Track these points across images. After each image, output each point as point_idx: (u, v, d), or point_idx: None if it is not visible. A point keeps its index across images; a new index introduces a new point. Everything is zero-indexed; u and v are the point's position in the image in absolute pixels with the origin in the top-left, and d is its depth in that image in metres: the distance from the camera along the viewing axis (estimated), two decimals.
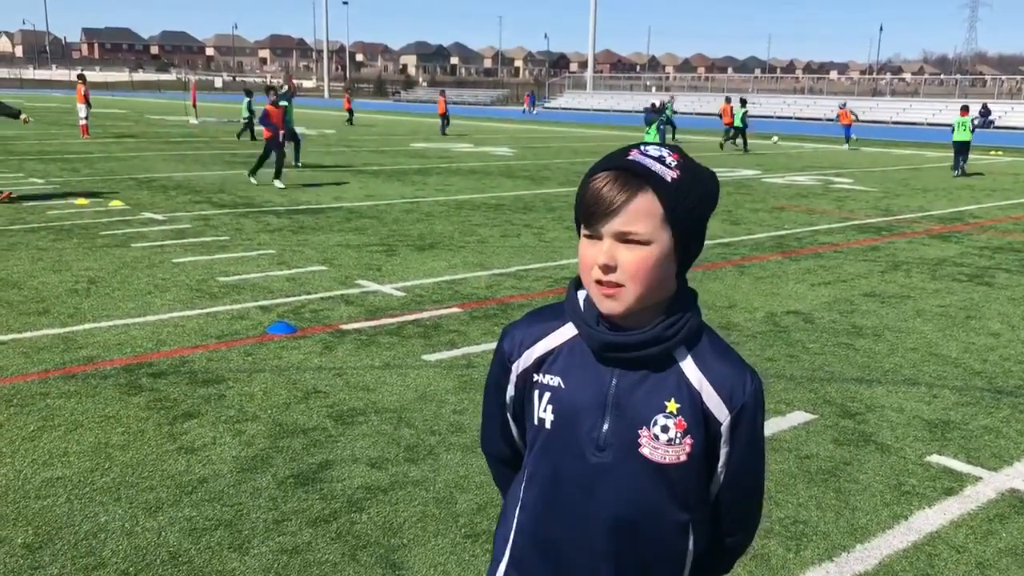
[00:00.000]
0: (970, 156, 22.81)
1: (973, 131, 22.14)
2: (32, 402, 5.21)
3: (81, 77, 29.07)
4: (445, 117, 35.08)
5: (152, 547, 3.64)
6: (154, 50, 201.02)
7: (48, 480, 4.22)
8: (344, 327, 6.92)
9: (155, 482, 4.22)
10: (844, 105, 33.97)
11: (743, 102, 29.25)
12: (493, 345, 6.18)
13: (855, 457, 4.73)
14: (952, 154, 22.34)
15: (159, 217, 12.14)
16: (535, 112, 64.34)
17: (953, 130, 22.33)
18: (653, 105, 18.39)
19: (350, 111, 40.25)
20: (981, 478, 4.52)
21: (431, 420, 5.08)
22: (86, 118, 27.79)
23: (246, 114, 28.22)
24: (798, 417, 5.24)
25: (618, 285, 1.50)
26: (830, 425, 5.15)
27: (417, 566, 3.56)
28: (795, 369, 6.16)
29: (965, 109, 22.87)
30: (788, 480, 4.41)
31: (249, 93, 29.50)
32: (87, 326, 6.78)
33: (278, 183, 15.84)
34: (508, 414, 1.77)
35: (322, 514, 3.96)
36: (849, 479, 4.46)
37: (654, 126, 17.63)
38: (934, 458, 4.75)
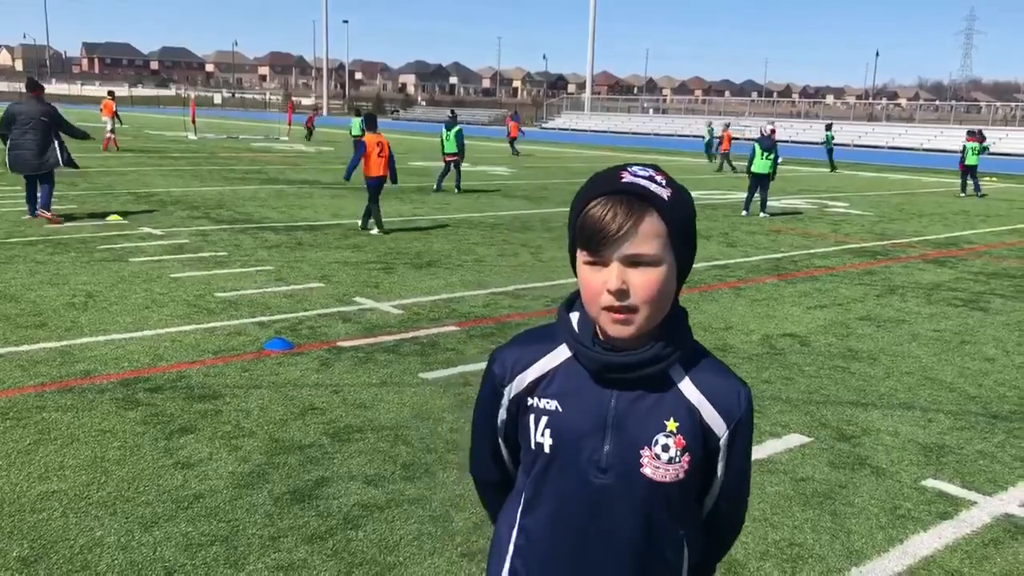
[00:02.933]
0: (960, 181, 24.05)
1: (980, 155, 23.57)
2: (28, 415, 5.20)
3: (111, 93, 31.19)
4: (514, 140, 36.56)
5: (148, 562, 3.63)
6: (154, 65, 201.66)
7: (44, 494, 4.21)
8: (341, 344, 6.93)
9: (151, 497, 4.22)
10: (728, 126, 31.81)
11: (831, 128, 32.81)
12: None
13: (850, 480, 4.74)
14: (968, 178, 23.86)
15: (157, 232, 12.16)
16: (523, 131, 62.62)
17: (965, 154, 23.73)
18: (773, 131, 18.00)
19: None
20: (976, 503, 4.54)
21: (428, 438, 5.09)
22: (112, 131, 29.28)
23: (356, 132, 29.25)
24: (794, 440, 5.26)
25: (631, 310, 1.50)
26: (826, 448, 5.17)
27: None
28: (791, 392, 6.18)
29: (972, 134, 24.09)
30: (784, 502, 4.42)
31: (358, 112, 30.73)
32: (84, 340, 6.78)
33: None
34: (500, 439, 1.76)
35: (318, 531, 3.96)
36: (845, 502, 4.47)
37: (772, 154, 17.39)
38: (929, 482, 4.76)
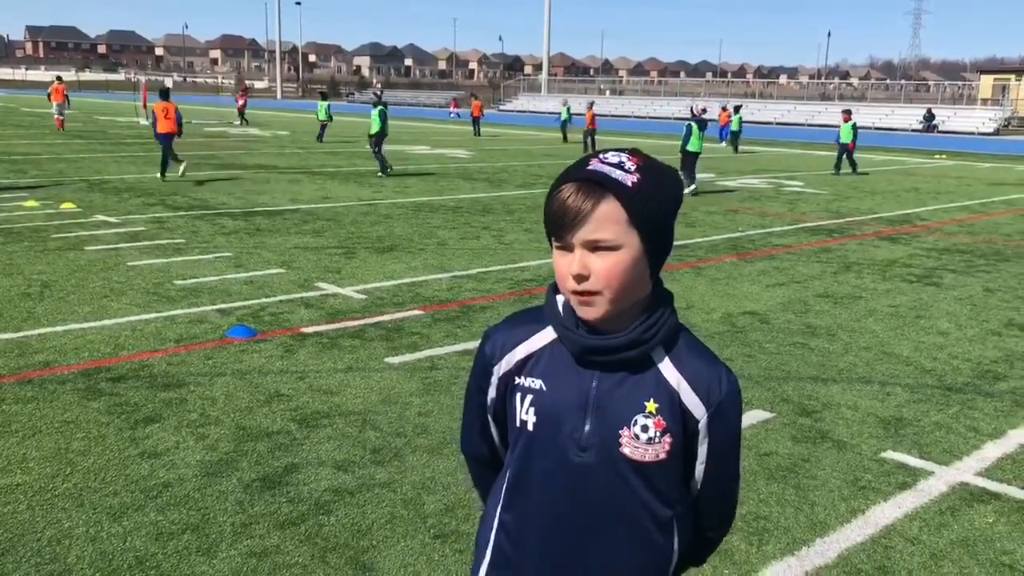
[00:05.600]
0: (910, 160, 23.96)
1: (855, 136, 22.92)
2: None
3: (59, 78, 31.91)
4: (477, 120, 37.44)
5: (118, 552, 3.60)
6: (101, 49, 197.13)
7: (7, 487, 4.15)
8: (305, 330, 6.90)
9: (118, 487, 4.18)
10: (592, 104, 30.61)
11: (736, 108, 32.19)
12: (456, 347, 6.21)
13: (813, 454, 4.85)
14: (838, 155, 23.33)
15: (112, 220, 11.95)
16: (452, 114, 63.12)
17: (839, 135, 23.27)
18: (704, 110, 18.36)
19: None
20: (933, 472, 4.67)
21: (396, 422, 5.10)
22: (62, 113, 30.42)
23: (323, 117, 29.36)
24: (757, 415, 5.36)
25: (593, 292, 1.54)
26: (788, 423, 5.27)
27: (387, 567, 3.58)
28: (753, 368, 6.29)
29: (847, 113, 23.61)
30: (749, 477, 4.51)
31: (324, 96, 31.04)
32: (42, 331, 6.66)
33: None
34: (488, 416, 1.79)
35: (290, 517, 3.96)
36: (807, 475, 4.57)
37: (703, 132, 17.68)
38: (888, 454, 4.89)
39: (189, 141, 27.82)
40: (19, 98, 65.78)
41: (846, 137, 22.85)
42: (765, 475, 4.55)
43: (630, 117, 65.82)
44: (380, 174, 18.88)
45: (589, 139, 29.03)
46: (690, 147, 17.51)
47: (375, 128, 19.30)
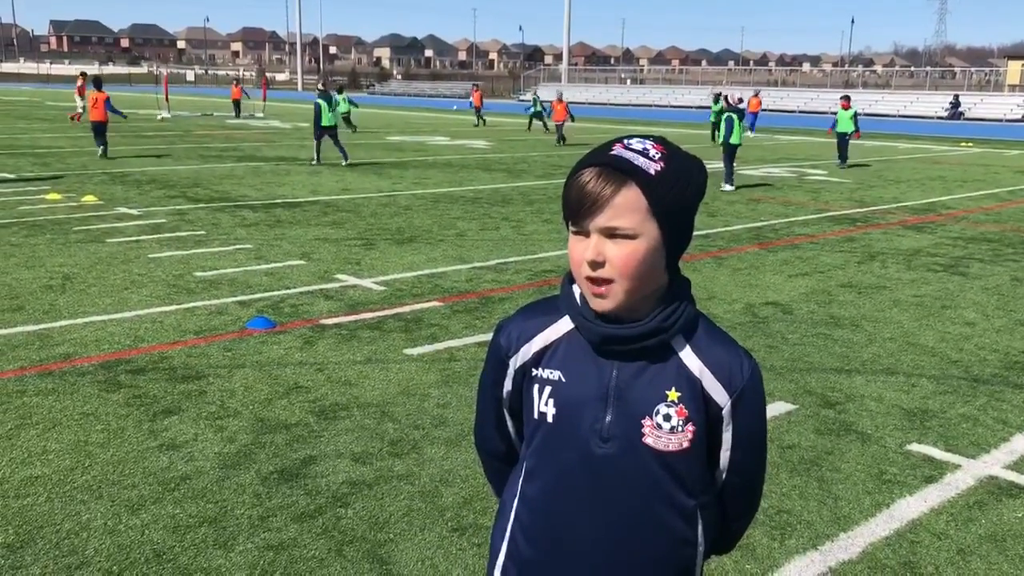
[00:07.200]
0: (936, 147, 23.28)
1: (856, 125, 21.40)
2: (8, 400, 5.13)
3: (83, 74, 32.27)
4: (479, 110, 37.96)
5: (136, 545, 3.60)
6: (124, 43, 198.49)
7: (27, 479, 4.16)
8: (324, 322, 6.89)
9: (137, 480, 4.18)
10: (561, 95, 28.36)
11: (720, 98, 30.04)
12: (475, 339, 6.15)
13: (836, 447, 4.77)
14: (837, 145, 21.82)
15: (133, 212, 12.01)
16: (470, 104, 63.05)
17: (836, 123, 21.66)
18: (738, 100, 17.82)
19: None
20: (960, 466, 4.58)
21: (414, 414, 5.07)
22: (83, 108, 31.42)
23: (344, 109, 30.04)
24: (779, 407, 5.28)
25: (607, 281, 1.51)
26: (811, 415, 5.20)
27: (404, 560, 3.56)
28: (775, 360, 6.20)
29: (846, 100, 21.80)
30: (771, 470, 4.44)
31: (340, 90, 31.53)
32: (63, 323, 6.69)
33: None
34: (504, 409, 1.76)
35: (307, 510, 3.94)
36: (831, 468, 4.50)
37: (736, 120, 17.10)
38: (914, 447, 4.80)
39: (212, 133, 27.95)
40: (44, 92, 66.34)
41: (845, 126, 21.25)
42: (788, 468, 4.48)
43: (651, 106, 65.45)
44: (314, 162, 19.27)
45: (560, 132, 27.13)
46: (733, 140, 16.96)
47: (324, 119, 19.11)
